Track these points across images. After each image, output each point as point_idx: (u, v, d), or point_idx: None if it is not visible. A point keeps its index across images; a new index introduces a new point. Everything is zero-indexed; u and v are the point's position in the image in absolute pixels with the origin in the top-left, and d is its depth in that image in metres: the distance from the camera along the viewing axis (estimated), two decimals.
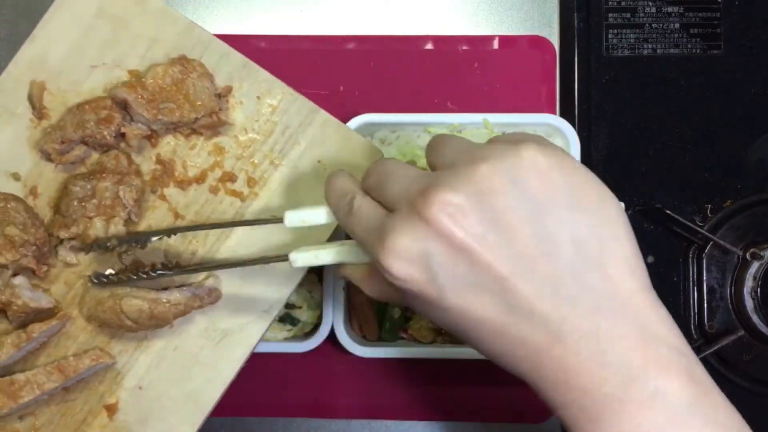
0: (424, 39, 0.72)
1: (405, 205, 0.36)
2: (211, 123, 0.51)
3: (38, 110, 0.51)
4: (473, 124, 0.66)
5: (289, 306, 0.65)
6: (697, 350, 0.67)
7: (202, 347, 0.51)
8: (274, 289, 0.51)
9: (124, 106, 0.50)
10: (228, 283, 0.51)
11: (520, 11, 0.73)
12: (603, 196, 0.36)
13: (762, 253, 0.66)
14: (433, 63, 0.72)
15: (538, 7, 0.73)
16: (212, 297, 0.50)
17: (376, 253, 0.36)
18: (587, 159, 0.69)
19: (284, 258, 0.45)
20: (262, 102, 0.52)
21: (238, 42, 0.73)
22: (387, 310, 0.66)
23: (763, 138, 0.69)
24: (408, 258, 0.35)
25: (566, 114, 0.70)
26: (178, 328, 0.50)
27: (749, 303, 0.66)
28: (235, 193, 0.51)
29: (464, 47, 0.72)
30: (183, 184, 0.52)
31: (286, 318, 0.65)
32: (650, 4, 0.71)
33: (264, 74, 0.53)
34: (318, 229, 0.48)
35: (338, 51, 0.72)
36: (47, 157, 0.51)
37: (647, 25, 0.71)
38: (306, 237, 0.51)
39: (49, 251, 0.50)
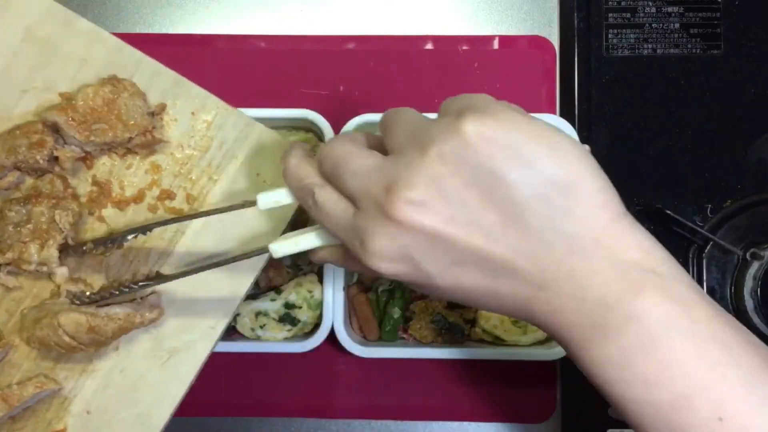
0: (424, 39, 0.72)
1: (371, 205, 0.38)
2: (145, 142, 0.50)
3: None
4: None
5: (289, 306, 0.65)
6: None
7: (149, 368, 0.50)
8: (219, 306, 0.50)
9: (56, 129, 0.50)
10: (172, 302, 0.50)
11: (520, 11, 0.73)
12: (555, 143, 0.37)
13: (762, 254, 0.66)
14: (433, 63, 0.72)
15: (538, 7, 0.73)
16: (154, 313, 0.50)
17: (359, 254, 0.39)
18: None
19: (264, 250, 0.45)
20: (197, 118, 0.52)
21: (238, 42, 0.73)
22: (387, 310, 0.66)
23: (763, 138, 0.69)
24: (390, 257, 0.37)
25: (566, 114, 0.70)
26: (124, 349, 0.50)
27: (749, 303, 0.66)
28: (174, 211, 0.51)
29: (464, 47, 0.72)
30: (121, 205, 0.51)
31: (286, 318, 0.65)
32: (650, 4, 0.71)
33: (197, 90, 0.52)
34: (281, 211, 0.48)
35: (338, 51, 0.72)
36: None
37: (647, 25, 0.71)
38: (263, 224, 0.51)
39: None
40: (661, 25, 0.71)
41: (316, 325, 0.65)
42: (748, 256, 0.66)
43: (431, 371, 0.69)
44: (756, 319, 0.66)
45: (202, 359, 0.50)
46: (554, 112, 0.71)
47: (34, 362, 0.50)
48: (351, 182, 0.39)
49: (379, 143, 0.42)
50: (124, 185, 0.51)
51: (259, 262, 0.51)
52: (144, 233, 0.49)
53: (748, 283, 0.66)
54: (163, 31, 0.73)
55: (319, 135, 0.67)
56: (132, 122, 0.50)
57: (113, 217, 0.51)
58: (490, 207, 0.36)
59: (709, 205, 0.69)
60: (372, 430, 0.70)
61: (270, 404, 0.70)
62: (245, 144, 0.52)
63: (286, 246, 0.45)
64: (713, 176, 0.69)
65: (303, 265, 0.67)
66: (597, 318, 0.36)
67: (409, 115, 0.40)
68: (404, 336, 0.68)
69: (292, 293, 0.65)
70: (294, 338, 0.66)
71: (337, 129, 0.65)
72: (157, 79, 0.52)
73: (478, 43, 0.72)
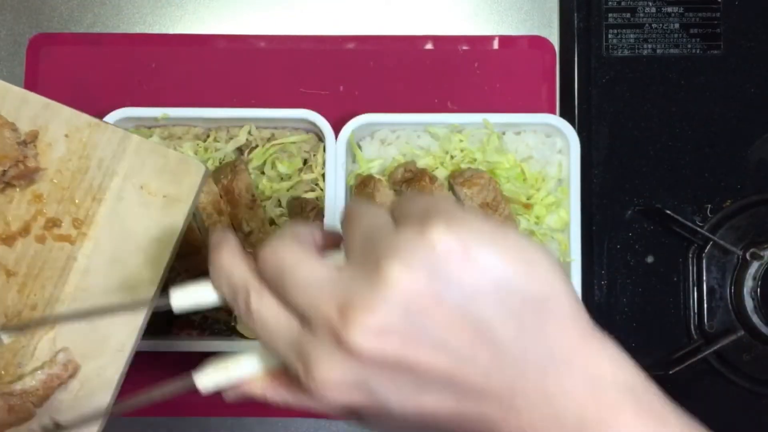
0: (424, 39, 0.72)
1: (321, 326, 0.33)
2: (21, 172, 0.49)
3: None
4: (473, 124, 0.66)
5: None
6: (697, 350, 0.67)
7: (61, 401, 0.48)
8: (122, 326, 0.49)
9: None
10: (73, 328, 0.49)
11: (520, 11, 0.73)
12: (529, 254, 0.34)
13: (762, 253, 0.66)
14: (433, 63, 0.72)
15: (538, 7, 0.73)
16: (70, 370, 0.48)
17: (302, 379, 0.34)
18: (587, 159, 0.69)
19: (190, 383, 0.38)
20: (72, 139, 0.50)
21: (238, 42, 0.73)
22: None
23: (763, 138, 0.69)
24: (341, 388, 0.33)
25: (566, 114, 0.70)
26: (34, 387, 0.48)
27: (749, 303, 0.66)
28: (62, 238, 0.50)
29: (464, 47, 0.72)
30: (8, 241, 0.50)
31: None
32: (650, 4, 0.71)
33: (67, 111, 0.50)
34: (166, 234, 0.47)
35: (338, 51, 0.72)
36: None
37: (647, 25, 0.71)
38: (148, 262, 0.50)
39: None
40: (660, 25, 0.71)
41: None
42: (747, 256, 0.66)
43: None
44: (755, 319, 0.66)
45: (114, 382, 0.49)
46: (554, 112, 0.71)
47: None
48: (297, 295, 0.34)
49: (334, 241, 0.37)
50: (8, 220, 0.50)
51: (157, 273, 0.50)
52: (21, 330, 0.48)
53: (748, 283, 0.66)
54: (163, 31, 0.73)
55: (319, 135, 0.67)
56: (3, 155, 0.48)
57: (3, 254, 0.50)
58: (460, 331, 0.32)
59: (709, 205, 0.69)
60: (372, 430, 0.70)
61: (270, 404, 0.70)
62: (124, 158, 0.50)
63: (216, 378, 0.38)
64: (713, 176, 0.69)
65: None
66: None
67: (370, 216, 0.35)
68: None
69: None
70: None
71: (337, 129, 0.65)
72: (25, 107, 0.50)
73: (478, 43, 0.72)
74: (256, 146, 0.67)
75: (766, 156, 0.69)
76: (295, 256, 0.34)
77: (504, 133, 0.67)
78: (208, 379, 0.38)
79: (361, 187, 0.65)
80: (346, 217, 0.36)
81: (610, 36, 0.71)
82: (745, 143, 0.69)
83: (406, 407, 0.34)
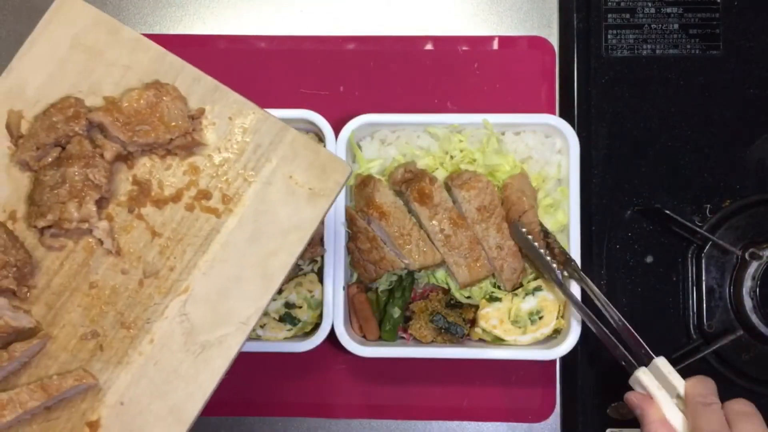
0: (424, 39, 0.72)
1: None
2: (185, 143, 0.52)
3: (16, 138, 0.52)
4: (473, 124, 0.66)
5: (289, 306, 0.65)
6: (696, 350, 0.67)
7: (182, 361, 0.51)
8: (251, 302, 0.52)
9: (101, 129, 0.52)
10: (205, 295, 0.52)
11: (520, 11, 0.73)
12: None
13: (761, 253, 0.66)
14: (433, 63, 0.72)
15: (538, 8, 0.73)
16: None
17: None
18: (587, 159, 0.69)
19: (633, 368, 0.57)
20: (234, 122, 0.54)
21: (239, 42, 0.73)
22: (387, 309, 0.66)
23: (762, 138, 0.70)
24: None
25: (566, 114, 0.70)
26: (158, 342, 0.51)
27: (748, 303, 0.66)
28: (210, 210, 0.53)
29: (464, 47, 0.72)
30: (159, 204, 0.53)
31: (286, 318, 0.65)
32: (649, 4, 0.71)
33: (235, 96, 0.54)
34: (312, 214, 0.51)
35: (338, 51, 0.72)
36: (26, 167, 0.52)
37: (646, 25, 0.71)
38: (298, 215, 0.53)
39: (30, 273, 0.51)
40: (660, 25, 0.71)
41: (317, 325, 0.65)
42: (747, 256, 0.67)
43: (431, 371, 0.69)
44: (755, 319, 0.66)
45: (233, 353, 0.52)
46: (554, 113, 0.71)
47: (71, 354, 0.51)
48: None
49: None
50: (163, 185, 0.53)
51: (290, 260, 0.53)
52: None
53: (747, 283, 0.66)
54: (164, 31, 0.74)
55: (319, 135, 0.67)
56: (173, 124, 0.52)
57: (152, 216, 0.53)
58: None
59: (708, 205, 0.69)
60: (372, 429, 0.70)
61: (270, 404, 0.70)
62: (279, 148, 0.53)
63: (648, 382, 0.55)
64: (712, 176, 0.69)
65: (303, 264, 0.67)
66: None
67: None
68: (404, 336, 0.68)
69: (292, 293, 0.65)
70: (294, 338, 0.66)
71: (337, 129, 0.65)
72: (197, 85, 0.54)
73: (478, 43, 0.72)
74: None
75: (766, 156, 0.69)
76: None
77: (503, 134, 0.67)
78: (646, 378, 0.55)
79: (361, 187, 0.65)
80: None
81: (609, 36, 0.71)
82: (744, 143, 0.70)
83: None
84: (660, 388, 0.55)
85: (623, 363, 0.57)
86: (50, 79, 0.53)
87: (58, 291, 0.52)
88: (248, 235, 0.52)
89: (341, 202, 0.65)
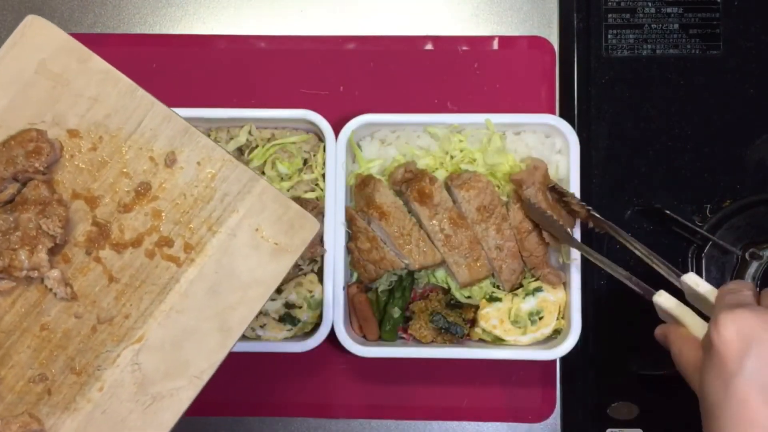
0: (424, 39, 0.72)
1: None
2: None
3: None
4: (473, 124, 0.66)
5: (289, 306, 0.65)
6: None
7: (131, 411, 0.50)
8: (206, 356, 0.51)
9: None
10: (159, 346, 0.50)
11: (520, 11, 0.73)
12: None
13: (761, 253, 0.66)
14: (433, 63, 0.72)
15: (538, 8, 0.73)
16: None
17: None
18: (587, 159, 0.69)
19: (650, 294, 0.55)
20: (202, 168, 0.52)
21: (239, 42, 0.73)
22: (387, 309, 0.66)
23: (762, 138, 0.70)
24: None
25: (566, 114, 0.70)
26: (108, 390, 0.50)
27: None
28: (171, 258, 0.51)
29: (464, 47, 0.72)
30: (118, 247, 0.51)
31: (286, 318, 0.65)
32: (649, 4, 0.71)
33: (205, 140, 0.52)
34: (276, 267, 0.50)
35: (338, 51, 0.72)
36: None
37: (646, 25, 0.71)
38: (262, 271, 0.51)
39: None
40: (660, 25, 0.71)
41: (316, 325, 0.65)
42: (747, 256, 0.66)
43: (431, 371, 0.69)
44: None
45: (184, 407, 0.50)
46: (554, 113, 0.71)
47: (18, 396, 0.50)
48: None
49: None
50: (124, 228, 0.51)
51: (250, 315, 0.51)
52: None
53: None
54: (164, 31, 0.74)
55: (319, 135, 0.67)
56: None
57: (110, 259, 0.51)
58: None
59: (708, 205, 0.69)
60: (372, 429, 0.70)
61: (270, 404, 0.70)
62: (247, 198, 0.51)
63: (669, 303, 0.54)
64: (712, 176, 0.69)
65: (303, 264, 0.67)
66: None
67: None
68: (404, 336, 0.68)
69: (292, 293, 0.65)
70: (294, 338, 0.66)
71: (337, 129, 0.65)
72: (166, 125, 0.52)
73: (478, 43, 0.72)
74: (257, 146, 0.67)
75: (765, 156, 0.69)
76: None
77: (504, 134, 0.67)
78: (663, 299, 0.53)
79: (361, 187, 0.65)
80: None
81: (609, 36, 0.71)
82: (744, 143, 0.70)
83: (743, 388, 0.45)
84: (680, 304, 0.53)
85: (641, 292, 0.56)
86: (11, 104, 0.51)
87: (7, 330, 0.51)
88: (208, 286, 0.51)
89: (341, 202, 0.65)
